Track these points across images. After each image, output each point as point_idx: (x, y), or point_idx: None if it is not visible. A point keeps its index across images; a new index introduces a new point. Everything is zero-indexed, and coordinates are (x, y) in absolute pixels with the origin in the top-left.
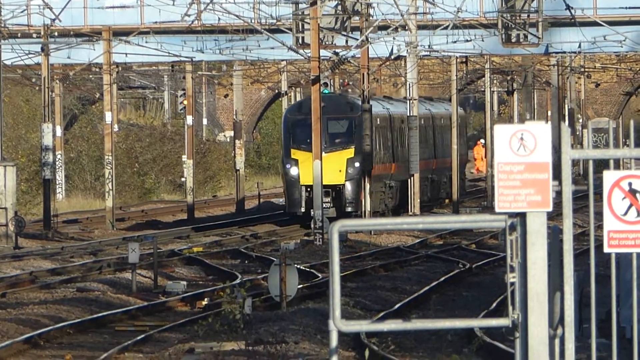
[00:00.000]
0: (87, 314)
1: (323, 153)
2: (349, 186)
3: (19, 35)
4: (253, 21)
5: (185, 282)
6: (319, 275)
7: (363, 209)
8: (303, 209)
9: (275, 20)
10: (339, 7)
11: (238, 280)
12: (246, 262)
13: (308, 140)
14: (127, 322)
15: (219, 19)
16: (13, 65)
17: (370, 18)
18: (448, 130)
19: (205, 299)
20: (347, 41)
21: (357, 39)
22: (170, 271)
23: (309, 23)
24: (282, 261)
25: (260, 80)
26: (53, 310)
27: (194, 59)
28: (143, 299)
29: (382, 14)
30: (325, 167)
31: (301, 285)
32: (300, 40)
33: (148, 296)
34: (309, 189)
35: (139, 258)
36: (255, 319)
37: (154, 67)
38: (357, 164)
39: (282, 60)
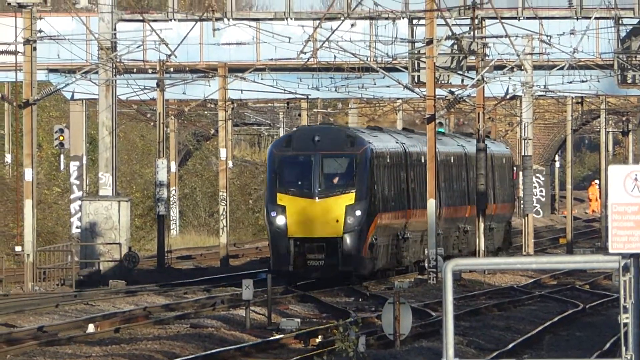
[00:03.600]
0: (201, 350)
1: (316, 198)
2: (347, 240)
3: (135, 70)
4: (369, 59)
5: (299, 319)
6: (433, 314)
7: (370, 266)
8: (292, 267)
9: (391, 59)
10: (455, 47)
11: (351, 318)
12: (360, 299)
13: (299, 183)
14: (240, 359)
15: (335, 56)
16: (128, 100)
17: (486, 58)
18: (504, 171)
19: (319, 337)
20: (462, 80)
21: (473, 78)
22: (284, 308)
23: (424, 62)
24: (395, 299)
25: (376, 119)
26: (166, 346)
27: (309, 96)
28: (257, 335)
29: (498, 53)
30: (318, 216)
31: (415, 324)
32: (416, 79)
33: (262, 333)
34: (299, 242)
35: (252, 295)
36: (369, 357)
37: (269, 104)
38: (358, 212)
39: (398, 98)
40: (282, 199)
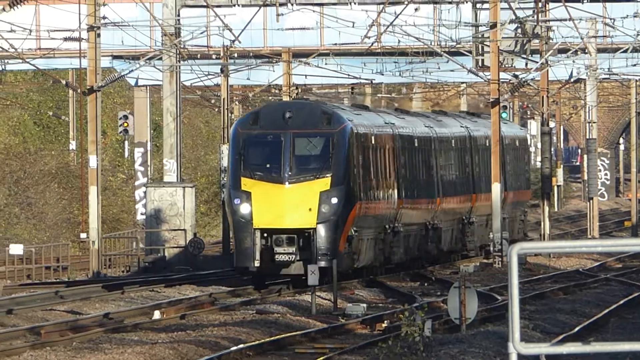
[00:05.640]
0: (267, 336)
1: (286, 184)
2: (321, 231)
3: (199, 56)
4: (433, 44)
5: (365, 305)
6: (498, 298)
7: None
8: (258, 263)
9: (455, 43)
10: (519, 30)
11: (417, 303)
12: (426, 284)
13: (267, 166)
14: (306, 344)
15: (399, 41)
16: (192, 86)
17: (550, 41)
18: (518, 155)
19: (385, 322)
20: (526, 64)
21: (537, 62)
22: (350, 293)
23: (488, 46)
24: (461, 284)
25: (440, 103)
26: (232, 332)
27: (373, 81)
28: (322, 321)
29: (562, 37)
30: (288, 204)
31: (481, 308)
32: (480, 63)
33: (328, 318)
34: (265, 234)
35: (318, 280)
36: (435, 341)
37: (334, 89)
38: (334, 200)
39: (462, 82)
40: (246, 184)
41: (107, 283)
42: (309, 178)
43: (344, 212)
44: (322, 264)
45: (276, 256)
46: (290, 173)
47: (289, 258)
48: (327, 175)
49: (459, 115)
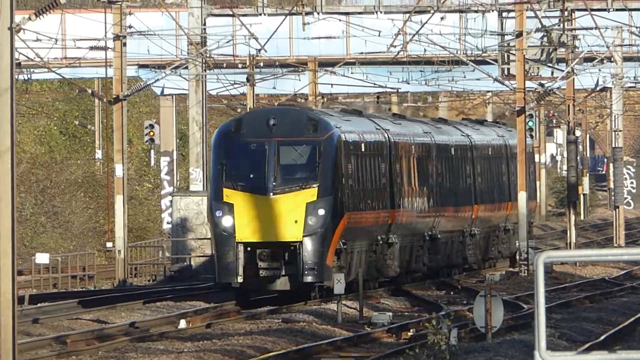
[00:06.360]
0: (293, 345)
1: (270, 194)
2: (308, 244)
3: (225, 65)
4: (459, 52)
5: (390, 313)
6: (524, 306)
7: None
8: (241, 279)
9: (481, 52)
10: (545, 39)
11: (443, 311)
12: (451, 292)
13: (250, 176)
14: (332, 353)
15: (425, 50)
16: (218, 95)
17: (576, 50)
18: (527, 164)
19: (411, 330)
20: (552, 72)
21: (563, 70)
22: (375, 302)
23: (514, 54)
24: (487, 292)
25: (466, 112)
26: (258, 341)
27: (399, 90)
28: (349, 330)
29: (588, 45)
30: (273, 216)
31: (506, 317)
32: (505, 72)
33: (354, 327)
34: (249, 248)
35: (344, 289)
36: (460, 350)
37: (359, 98)
38: (321, 211)
39: (488, 91)
40: (229, 195)
41: (133, 292)
42: (295, 188)
43: (332, 224)
44: (309, 279)
45: (260, 271)
46: (274, 183)
47: (274, 273)
48: (314, 185)
49: (460, 123)
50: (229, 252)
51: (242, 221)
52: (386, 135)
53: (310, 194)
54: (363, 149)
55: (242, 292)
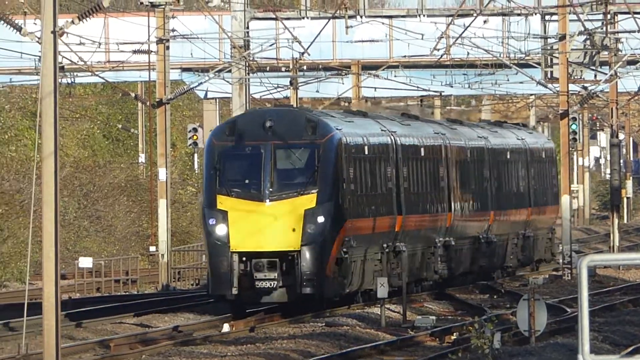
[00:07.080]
0: (336, 348)
1: (266, 201)
2: (307, 254)
3: (268, 69)
4: (502, 55)
5: (434, 317)
6: (568, 310)
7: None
8: (236, 290)
9: (524, 55)
10: (588, 42)
11: (487, 315)
12: (495, 296)
13: (245, 181)
14: (375, 356)
15: (468, 53)
16: (261, 98)
17: (619, 53)
18: (544, 168)
19: (454, 334)
20: (595, 75)
21: (606, 74)
22: (419, 306)
23: (557, 57)
24: (530, 296)
25: (509, 115)
26: (302, 344)
27: (442, 93)
28: (392, 333)
29: (631, 48)
30: (269, 224)
31: (550, 320)
32: (548, 75)
33: (397, 331)
34: (244, 258)
35: (387, 293)
36: (504, 353)
37: (402, 102)
38: (321, 219)
39: (531, 94)
40: (223, 202)
41: (176, 296)
42: (292, 194)
43: (332, 231)
44: (308, 290)
45: (256, 282)
46: (271, 189)
47: (271, 284)
48: (313, 191)
49: (477, 125)
50: (223, 262)
51: (237, 229)
52: (392, 137)
53: (309, 200)
54: (366, 152)
55: (237, 305)
